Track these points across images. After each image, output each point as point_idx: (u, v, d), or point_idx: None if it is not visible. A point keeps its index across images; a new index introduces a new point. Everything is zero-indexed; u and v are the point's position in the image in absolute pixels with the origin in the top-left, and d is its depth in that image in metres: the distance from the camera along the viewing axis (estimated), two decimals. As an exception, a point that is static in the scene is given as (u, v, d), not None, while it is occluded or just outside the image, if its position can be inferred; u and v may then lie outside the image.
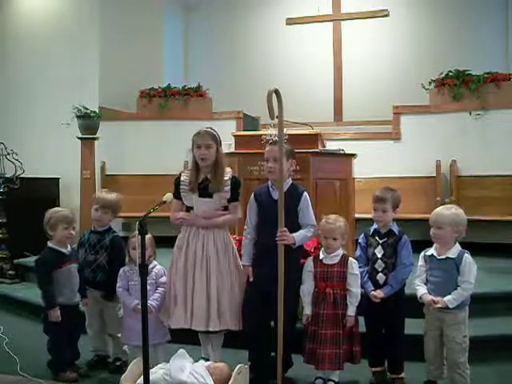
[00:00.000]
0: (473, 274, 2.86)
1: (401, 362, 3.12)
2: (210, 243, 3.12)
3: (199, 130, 3.17)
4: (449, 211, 2.92)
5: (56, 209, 3.36)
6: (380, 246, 3.07)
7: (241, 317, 3.13)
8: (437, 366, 2.97)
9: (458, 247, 2.91)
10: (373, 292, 3.01)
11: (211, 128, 3.21)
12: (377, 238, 3.10)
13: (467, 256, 2.88)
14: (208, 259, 3.10)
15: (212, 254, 3.10)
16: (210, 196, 3.12)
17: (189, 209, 3.18)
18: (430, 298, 2.88)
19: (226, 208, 3.16)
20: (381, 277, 3.04)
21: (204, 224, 3.11)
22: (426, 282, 2.95)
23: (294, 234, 2.99)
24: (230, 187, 3.12)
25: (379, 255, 3.06)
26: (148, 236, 3.13)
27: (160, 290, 3.20)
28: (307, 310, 3.06)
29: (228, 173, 3.17)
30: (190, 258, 3.13)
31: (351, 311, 3.00)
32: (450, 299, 2.82)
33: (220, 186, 3.10)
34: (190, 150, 3.18)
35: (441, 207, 3.00)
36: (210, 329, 3.07)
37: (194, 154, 3.15)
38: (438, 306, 2.83)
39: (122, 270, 3.26)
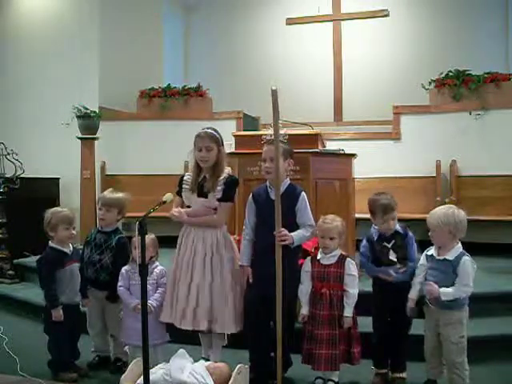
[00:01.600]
0: (471, 277, 2.82)
1: (404, 362, 3.11)
2: (199, 243, 3.12)
3: (199, 132, 3.16)
4: (439, 211, 2.89)
5: (56, 209, 3.36)
6: (391, 251, 3.04)
7: (229, 319, 3.09)
8: (434, 365, 2.97)
9: (458, 249, 2.87)
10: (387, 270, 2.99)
11: (212, 128, 3.20)
12: (385, 243, 3.06)
13: (466, 258, 2.84)
14: (194, 259, 3.11)
15: (198, 255, 3.10)
16: (206, 196, 3.13)
17: (188, 207, 3.19)
18: (413, 295, 2.91)
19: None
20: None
21: (186, 222, 3.13)
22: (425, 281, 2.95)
23: (292, 234, 2.99)
24: (222, 187, 3.11)
25: (394, 259, 3.04)
26: (151, 237, 3.17)
27: (160, 290, 3.21)
28: (304, 310, 3.06)
29: (225, 173, 3.16)
30: (181, 256, 3.15)
31: (348, 312, 2.99)
32: (445, 291, 2.79)
33: (214, 186, 3.10)
34: (192, 150, 3.18)
35: (436, 209, 2.96)
36: (183, 327, 3.08)
37: (196, 155, 3.15)
38: (431, 294, 2.81)
39: (123, 269, 3.26)
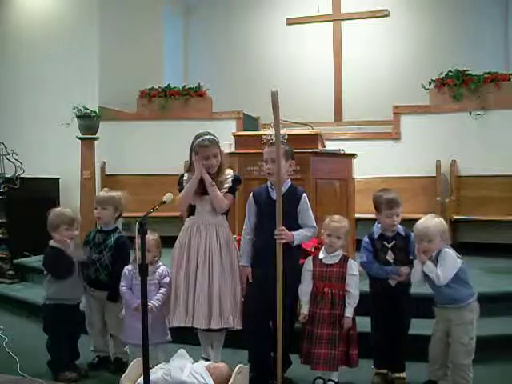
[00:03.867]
0: (448, 263, 2.80)
1: (403, 362, 3.10)
2: (212, 240, 3.12)
3: (203, 141, 3.11)
4: (433, 222, 2.87)
5: (58, 209, 3.35)
6: (390, 251, 3.05)
7: (241, 315, 3.13)
8: (438, 367, 2.95)
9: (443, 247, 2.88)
10: (400, 268, 2.97)
11: (209, 133, 3.18)
12: (385, 242, 3.07)
13: (445, 250, 2.84)
14: (211, 256, 3.11)
15: (215, 251, 3.11)
16: None
17: (193, 207, 3.19)
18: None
19: None
20: (393, 281, 3.03)
21: (208, 179, 3.08)
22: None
23: (294, 232, 3.00)
24: (229, 184, 3.16)
25: (391, 260, 3.04)
26: (154, 237, 3.19)
27: (163, 290, 3.20)
28: (304, 309, 3.05)
29: (229, 172, 3.21)
30: (192, 256, 3.13)
31: (349, 312, 2.99)
32: (429, 266, 2.80)
33: (221, 184, 3.14)
34: (194, 155, 3.15)
35: (423, 220, 2.92)
36: (212, 327, 3.07)
37: (202, 162, 3.11)
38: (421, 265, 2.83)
39: (125, 268, 3.26)
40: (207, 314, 3.06)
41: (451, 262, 2.83)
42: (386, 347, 3.09)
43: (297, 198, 3.08)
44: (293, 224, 3.02)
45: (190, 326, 3.08)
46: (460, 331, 2.83)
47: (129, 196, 3.53)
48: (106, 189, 3.57)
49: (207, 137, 3.14)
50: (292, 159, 3.13)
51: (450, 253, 2.85)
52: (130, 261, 3.29)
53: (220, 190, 3.13)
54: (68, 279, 3.23)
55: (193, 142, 3.17)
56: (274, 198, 2.97)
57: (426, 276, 2.88)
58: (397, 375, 3.10)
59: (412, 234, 3.04)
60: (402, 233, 3.06)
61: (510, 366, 3.32)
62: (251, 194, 3.20)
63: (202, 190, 3.14)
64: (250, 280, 3.12)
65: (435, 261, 2.84)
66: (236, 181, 3.21)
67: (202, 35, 8.78)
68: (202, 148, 3.11)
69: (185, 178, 3.22)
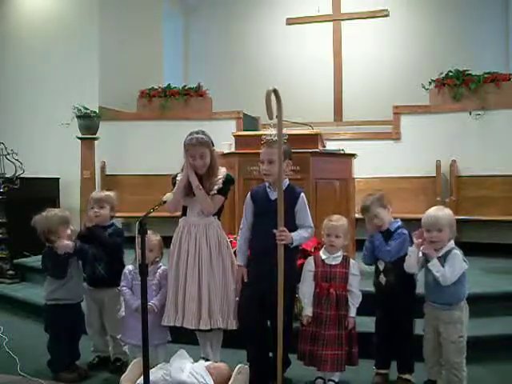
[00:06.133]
0: (456, 266, 2.79)
1: (409, 363, 3.07)
2: (202, 242, 3.11)
3: (191, 139, 3.09)
4: (443, 212, 2.88)
5: (47, 214, 3.24)
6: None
7: (234, 316, 3.12)
8: (432, 365, 2.95)
9: (450, 245, 2.86)
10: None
11: (201, 132, 3.15)
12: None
13: (455, 252, 2.83)
14: (200, 257, 3.10)
15: (204, 253, 3.10)
16: None
17: (185, 208, 3.19)
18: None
19: None
20: (382, 278, 3.04)
21: (194, 181, 3.07)
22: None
23: (292, 234, 2.98)
24: (219, 186, 3.12)
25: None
26: (157, 238, 3.21)
27: (163, 290, 3.20)
28: (307, 312, 3.03)
29: (222, 172, 3.17)
30: (183, 257, 3.13)
31: (352, 312, 2.99)
32: (434, 263, 2.79)
33: (212, 186, 3.11)
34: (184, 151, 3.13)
35: (433, 209, 2.92)
36: (201, 327, 3.07)
37: (190, 161, 3.11)
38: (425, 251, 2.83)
39: (126, 269, 3.26)
40: (196, 315, 3.06)
41: (459, 264, 2.82)
42: (389, 347, 3.08)
43: (294, 198, 3.06)
44: (290, 224, 3.00)
45: (179, 325, 3.09)
46: (449, 329, 2.84)
47: (117, 194, 3.54)
48: (97, 190, 3.57)
49: (197, 136, 3.10)
50: (289, 159, 3.12)
51: (459, 255, 2.83)
52: (132, 260, 3.28)
53: (210, 191, 3.10)
54: (68, 279, 3.23)
55: (185, 140, 3.15)
56: (272, 198, 2.97)
57: (427, 271, 2.88)
58: (402, 376, 3.07)
59: (400, 230, 3.03)
60: (392, 229, 3.04)
61: (509, 365, 3.32)
62: (249, 193, 3.19)
63: (192, 191, 3.12)
64: (246, 279, 3.11)
65: (442, 260, 2.83)
66: (227, 182, 3.16)
67: (202, 35, 8.79)
68: (190, 146, 3.09)
69: (178, 178, 3.20)
